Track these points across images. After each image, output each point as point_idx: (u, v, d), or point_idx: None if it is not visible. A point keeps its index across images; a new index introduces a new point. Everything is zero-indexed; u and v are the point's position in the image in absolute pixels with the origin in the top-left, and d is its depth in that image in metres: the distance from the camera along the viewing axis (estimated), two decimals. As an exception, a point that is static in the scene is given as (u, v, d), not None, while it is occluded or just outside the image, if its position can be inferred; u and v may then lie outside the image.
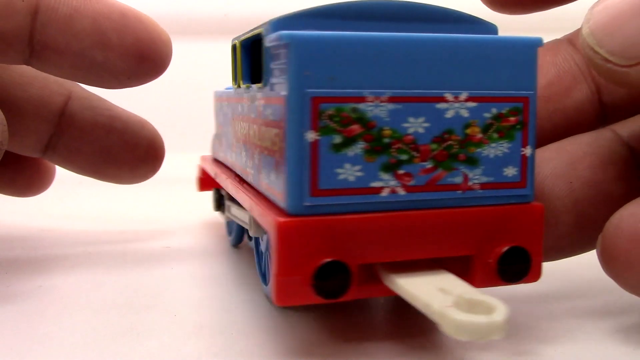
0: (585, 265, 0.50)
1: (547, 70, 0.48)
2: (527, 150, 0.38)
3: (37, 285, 0.50)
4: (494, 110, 0.37)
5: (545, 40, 0.43)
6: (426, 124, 0.36)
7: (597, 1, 0.39)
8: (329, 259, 0.34)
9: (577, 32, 0.50)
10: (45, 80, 0.57)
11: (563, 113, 0.49)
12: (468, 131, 0.37)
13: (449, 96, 0.36)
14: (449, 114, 0.36)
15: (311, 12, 0.37)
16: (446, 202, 0.37)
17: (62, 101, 0.57)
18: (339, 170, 0.35)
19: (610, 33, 0.38)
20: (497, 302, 0.33)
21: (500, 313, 0.32)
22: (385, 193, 0.36)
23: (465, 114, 0.36)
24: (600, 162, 0.46)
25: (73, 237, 0.66)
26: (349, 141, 0.35)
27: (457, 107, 0.36)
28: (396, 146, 0.35)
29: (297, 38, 0.33)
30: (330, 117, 0.34)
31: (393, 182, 0.36)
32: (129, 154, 0.59)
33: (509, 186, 0.38)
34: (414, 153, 0.36)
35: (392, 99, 0.35)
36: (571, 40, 0.50)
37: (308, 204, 0.35)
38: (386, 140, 0.35)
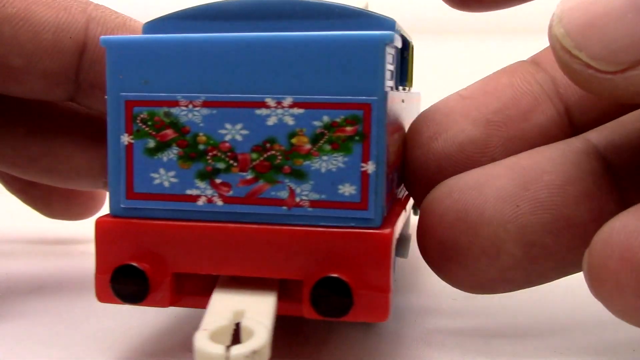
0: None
1: (501, 93, 0.41)
2: (369, 167, 0.32)
3: None
4: (326, 119, 0.32)
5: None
6: (244, 131, 0.33)
7: None
8: (125, 263, 0.34)
9: (544, 52, 0.43)
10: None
11: (521, 140, 0.40)
12: (294, 141, 0.33)
13: (270, 101, 0.33)
14: (271, 121, 0.33)
15: (182, 15, 0.37)
16: (270, 218, 0.34)
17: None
18: (154, 175, 0.34)
19: (593, 33, 0.31)
20: (263, 335, 0.30)
21: (245, 347, 0.29)
22: (201, 202, 0.34)
23: (290, 121, 0.33)
24: (562, 181, 0.37)
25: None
26: (163, 146, 0.34)
27: (280, 113, 0.33)
28: (212, 153, 0.34)
29: (111, 42, 0.34)
30: (144, 121, 0.34)
31: (210, 192, 0.34)
32: None
33: (345, 206, 0.33)
34: (232, 162, 0.33)
35: (207, 104, 0.33)
36: (536, 60, 0.43)
37: (124, 206, 0.35)
38: (201, 146, 0.34)
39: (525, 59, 0.45)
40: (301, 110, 0.33)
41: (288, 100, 0.33)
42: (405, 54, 0.44)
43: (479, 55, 1.08)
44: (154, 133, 0.34)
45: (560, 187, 0.37)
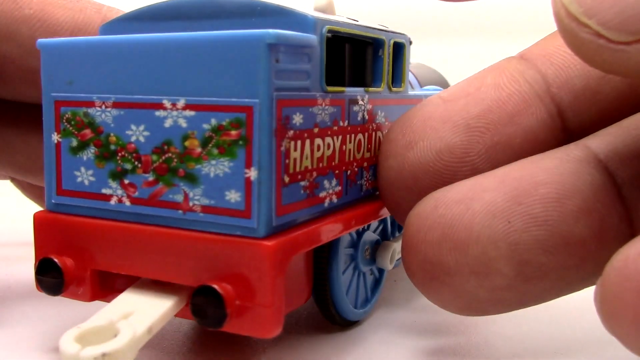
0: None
1: (485, 95, 0.37)
2: (252, 173, 0.31)
3: None
4: (214, 121, 0.31)
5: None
6: (146, 133, 0.33)
7: None
8: (46, 257, 0.36)
9: (534, 47, 0.40)
10: None
11: (506, 147, 0.36)
12: (187, 144, 0.32)
13: (166, 103, 0.32)
14: (168, 123, 0.32)
15: (131, 16, 0.38)
16: (168, 221, 0.33)
17: None
18: (77, 173, 0.36)
19: None
20: (123, 339, 0.29)
21: (97, 349, 0.29)
22: (113, 201, 0.35)
23: (183, 123, 0.32)
24: (558, 194, 0.33)
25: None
26: (83, 145, 0.35)
27: (175, 115, 0.32)
28: (121, 154, 0.34)
29: (43, 45, 0.36)
30: (68, 121, 0.35)
31: (120, 191, 0.34)
32: None
33: (231, 214, 0.31)
34: (137, 163, 0.34)
35: (116, 105, 0.34)
36: (525, 56, 0.38)
37: (54, 201, 0.37)
38: (113, 147, 0.34)
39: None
40: (192, 113, 0.32)
41: (181, 102, 0.32)
42: (380, 52, 0.41)
43: (479, 55, 0.99)
44: (76, 132, 0.35)
45: (556, 200, 0.33)
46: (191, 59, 0.31)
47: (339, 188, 0.37)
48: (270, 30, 0.30)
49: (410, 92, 0.46)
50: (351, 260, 0.41)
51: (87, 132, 0.35)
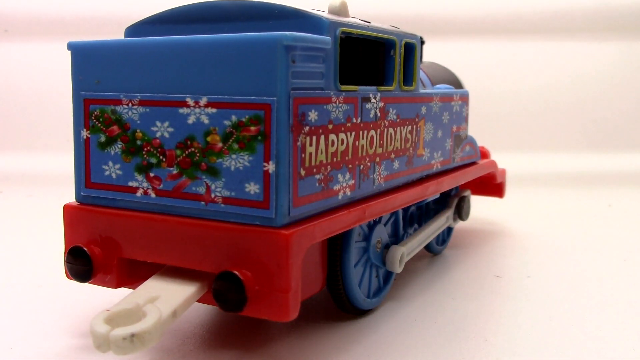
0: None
1: None
2: (270, 167, 0.33)
3: None
4: (234, 118, 0.33)
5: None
6: (171, 129, 0.35)
7: None
8: (75, 245, 0.38)
9: None
10: None
11: None
12: (209, 139, 0.34)
13: (190, 101, 0.34)
14: (191, 120, 0.35)
15: (155, 19, 0.40)
16: (191, 212, 0.35)
17: None
18: (105, 167, 0.38)
19: None
20: (150, 321, 0.32)
21: (126, 330, 0.31)
22: (139, 194, 0.37)
23: (205, 120, 0.34)
24: None
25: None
26: (111, 141, 0.37)
27: (197, 112, 0.34)
28: (147, 149, 0.36)
29: (72, 46, 0.38)
30: (97, 118, 0.38)
31: (145, 184, 0.36)
32: None
33: (251, 204, 0.33)
34: (162, 157, 0.36)
35: (142, 102, 0.36)
36: None
37: (84, 194, 0.39)
38: (139, 142, 0.36)
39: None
40: (214, 110, 0.34)
41: (204, 100, 0.34)
42: (391, 52, 0.43)
43: (480, 54, 1.00)
44: (104, 129, 0.37)
45: None
46: (213, 60, 0.34)
47: (352, 182, 0.39)
48: (287, 33, 0.32)
49: (422, 91, 0.48)
50: (363, 252, 0.43)
51: (115, 129, 0.37)
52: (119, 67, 0.37)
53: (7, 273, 0.54)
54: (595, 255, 0.62)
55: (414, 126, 0.46)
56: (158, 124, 0.36)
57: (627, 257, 0.61)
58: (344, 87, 0.37)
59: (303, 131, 0.34)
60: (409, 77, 0.45)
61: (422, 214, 0.55)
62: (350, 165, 0.38)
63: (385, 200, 0.42)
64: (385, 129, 0.42)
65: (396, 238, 0.48)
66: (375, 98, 0.40)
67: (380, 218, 0.45)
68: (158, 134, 0.36)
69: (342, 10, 0.40)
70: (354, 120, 0.38)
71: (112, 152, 0.37)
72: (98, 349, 0.31)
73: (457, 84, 0.63)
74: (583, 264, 0.59)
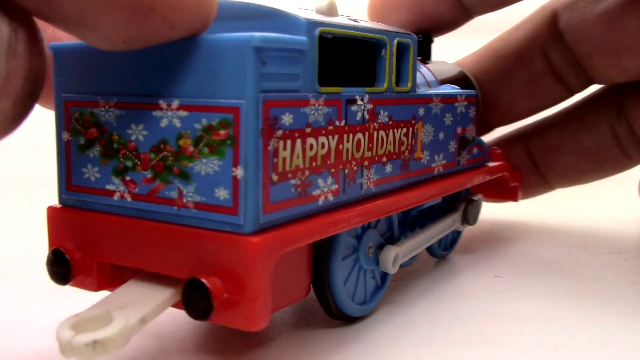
0: None
1: None
2: (239, 172, 0.32)
3: None
4: (205, 122, 0.32)
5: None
6: (145, 132, 0.35)
7: None
8: (55, 248, 0.38)
9: None
10: None
11: None
12: (181, 143, 0.33)
13: (162, 104, 0.34)
14: (164, 123, 0.34)
15: None
16: (164, 217, 0.35)
17: None
18: (84, 170, 0.37)
19: None
20: (115, 328, 0.31)
21: (89, 336, 0.31)
22: (116, 197, 0.36)
23: (177, 123, 0.33)
24: None
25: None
26: (89, 143, 0.37)
27: (170, 115, 0.34)
28: (123, 152, 0.36)
29: (53, 48, 0.38)
30: (77, 120, 0.37)
31: (122, 188, 0.36)
32: None
33: (221, 210, 0.32)
34: (137, 161, 0.35)
35: (118, 105, 0.35)
36: None
37: (65, 196, 0.39)
38: (115, 145, 0.36)
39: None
40: (186, 113, 0.33)
41: (176, 103, 0.33)
42: (382, 52, 0.42)
43: None
44: (83, 131, 0.37)
45: None
46: (185, 62, 0.33)
47: (336, 187, 0.38)
48: (257, 34, 0.31)
49: (419, 91, 0.47)
50: (353, 257, 0.42)
51: (93, 131, 0.37)
52: (97, 69, 0.36)
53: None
54: (595, 255, 0.61)
55: (410, 128, 0.45)
56: (133, 126, 0.35)
57: (628, 257, 0.60)
58: (324, 89, 0.36)
59: (275, 135, 0.33)
60: (403, 77, 0.44)
61: (426, 217, 0.54)
62: (332, 170, 0.37)
63: (374, 206, 0.40)
64: (375, 132, 0.41)
65: (391, 237, 0.47)
66: (362, 100, 0.39)
67: (370, 223, 0.44)
68: (133, 137, 0.35)
69: (329, 10, 0.39)
70: (337, 123, 0.37)
71: (91, 155, 0.37)
72: (63, 354, 0.31)
73: (469, 84, 0.61)
74: (583, 263, 0.58)
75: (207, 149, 0.32)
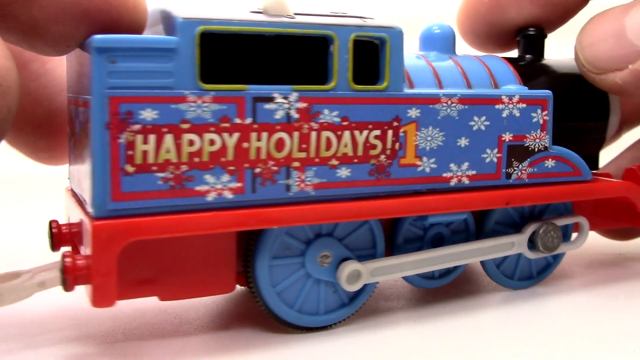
0: None
1: None
2: (90, 162, 0.35)
3: None
4: (82, 116, 0.37)
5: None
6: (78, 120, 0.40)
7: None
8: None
9: None
10: None
11: None
12: (83, 134, 0.38)
13: (80, 101, 0.39)
14: (82, 117, 0.39)
15: None
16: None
17: None
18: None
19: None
20: (19, 285, 0.37)
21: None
22: (76, 180, 0.42)
23: (83, 118, 0.38)
24: None
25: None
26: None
27: (83, 111, 0.38)
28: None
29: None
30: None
31: (77, 172, 0.42)
32: None
33: (86, 196, 0.36)
34: (78, 149, 0.41)
35: (75, 102, 0.41)
36: None
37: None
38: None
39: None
40: (87, 109, 0.37)
41: (86, 99, 0.37)
42: (330, 48, 0.40)
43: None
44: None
45: None
46: (88, 64, 0.36)
47: (239, 185, 0.37)
48: (101, 36, 0.34)
49: (408, 90, 0.42)
50: (295, 260, 0.41)
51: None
52: (70, 67, 0.43)
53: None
54: (595, 255, 0.59)
55: (390, 130, 0.41)
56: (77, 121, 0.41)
57: (629, 257, 0.58)
58: (209, 86, 0.36)
59: (129, 129, 0.35)
60: (381, 75, 0.40)
61: (468, 234, 0.47)
62: (231, 167, 0.37)
63: (299, 210, 0.38)
64: (313, 132, 0.39)
65: (374, 253, 0.43)
66: (285, 98, 0.38)
67: (332, 230, 0.41)
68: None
69: (276, 7, 0.39)
70: (237, 121, 0.37)
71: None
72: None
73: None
74: (583, 263, 0.57)
75: (85, 140, 0.36)
